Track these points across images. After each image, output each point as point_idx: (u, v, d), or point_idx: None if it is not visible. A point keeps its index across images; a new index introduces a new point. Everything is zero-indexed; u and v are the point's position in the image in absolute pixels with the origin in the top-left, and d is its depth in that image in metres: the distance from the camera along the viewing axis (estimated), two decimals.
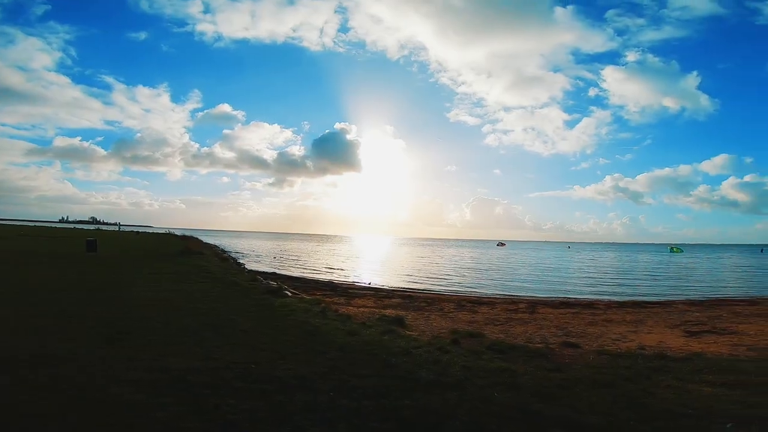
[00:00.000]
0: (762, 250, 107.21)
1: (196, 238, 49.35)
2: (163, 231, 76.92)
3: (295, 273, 25.62)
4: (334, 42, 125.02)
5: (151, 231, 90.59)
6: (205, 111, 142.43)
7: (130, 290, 10.11)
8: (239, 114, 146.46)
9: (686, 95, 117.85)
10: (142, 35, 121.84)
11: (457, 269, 33.45)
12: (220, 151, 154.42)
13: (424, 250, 71.15)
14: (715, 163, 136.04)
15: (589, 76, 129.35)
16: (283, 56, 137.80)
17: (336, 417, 3.68)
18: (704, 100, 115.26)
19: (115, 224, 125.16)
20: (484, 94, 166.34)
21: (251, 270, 21.86)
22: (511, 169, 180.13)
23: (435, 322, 10.21)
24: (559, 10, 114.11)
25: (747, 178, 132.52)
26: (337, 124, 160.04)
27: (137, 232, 73.27)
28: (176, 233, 61.22)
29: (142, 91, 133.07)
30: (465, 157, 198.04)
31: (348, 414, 3.74)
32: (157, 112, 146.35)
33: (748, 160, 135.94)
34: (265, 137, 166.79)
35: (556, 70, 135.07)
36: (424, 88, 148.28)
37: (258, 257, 39.51)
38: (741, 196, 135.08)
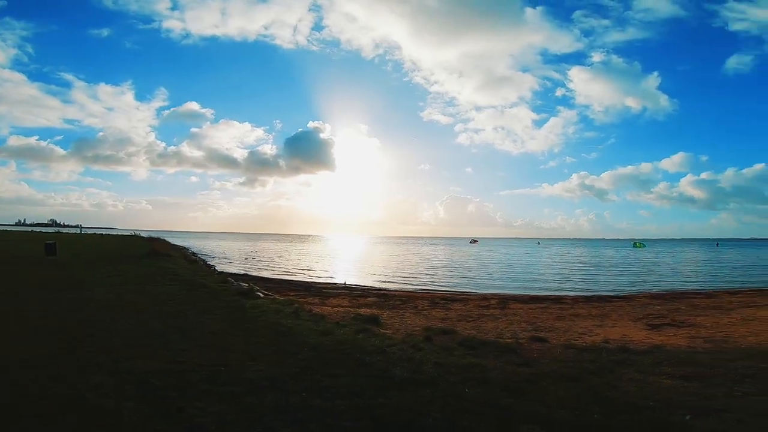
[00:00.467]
0: (717, 245, 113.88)
1: (164, 240, 47.83)
2: (128, 233, 74.06)
3: (268, 274, 25.21)
4: (308, 40, 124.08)
5: (115, 233, 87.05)
6: (172, 109, 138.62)
7: (92, 293, 9.71)
8: (208, 112, 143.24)
9: (647, 95, 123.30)
10: (105, 32, 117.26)
11: (431, 267, 33.79)
12: (187, 150, 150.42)
13: (398, 249, 71.47)
14: (674, 161, 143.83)
15: (556, 76, 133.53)
16: (255, 54, 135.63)
17: (308, 417, 3.64)
18: (664, 100, 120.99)
19: (76, 227, 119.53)
20: (456, 94, 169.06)
21: (222, 271, 21.39)
22: (482, 168, 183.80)
23: (409, 319, 10.25)
24: (529, 11, 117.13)
25: (703, 175, 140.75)
26: (310, 122, 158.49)
27: (101, 234, 70.27)
28: (142, 235, 59.11)
29: (104, 89, 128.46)
30: (438, 156, 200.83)
31: (321, 414, 3.71)
32: (120, 110, 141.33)
33: (704, 158, 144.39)
34: (235, 136, 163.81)
35: (525, 70, 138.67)
36: (398, 88, 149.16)
37: (229, 258, 38.58)
38: (697, 193, 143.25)
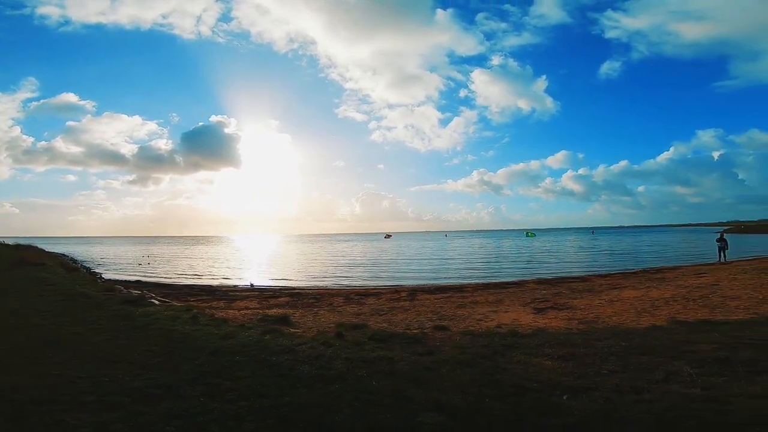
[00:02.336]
0: (593, 232, 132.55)
1: (36, 247, 40.97)
2: None
3: (167, 280, 23.10)
4: (213, 31, 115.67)
5: None
6: (42, 101, 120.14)
7: None
8: (88, 104, 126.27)
9: (536, 98, 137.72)
10: None
11: (347, 264, 33.91)
12: (62, 145, 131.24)
13: (313, 247, 70.38)
14: (557, 159, 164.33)
15: (459, 77, 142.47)
16: (149, 44, 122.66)
17: (207, 421, 3.52)
18: (549, 102, 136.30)
19: None
20: (370, 91, 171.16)
21: (108, 279, 19.15)
22: (394, 165, 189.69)
23: (323, 317, 10.18)
24: (440, 12, 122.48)
25: (580, 171, 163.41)
26: (213, 116, 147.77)
27: None
28: (8, 243, 49.89)
29: None
30: (353, 153, 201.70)
31: (221, 417, 3.60)
32: None
33: (581, 155, 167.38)
34: (122, 130, 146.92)
35: (433, 70, 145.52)
36: (313, 83, 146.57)
37: (118, 265, 34.50)
38: (576, 187, 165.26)
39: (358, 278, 23.25)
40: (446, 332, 7.49)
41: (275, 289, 17.66)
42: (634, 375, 4.55)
